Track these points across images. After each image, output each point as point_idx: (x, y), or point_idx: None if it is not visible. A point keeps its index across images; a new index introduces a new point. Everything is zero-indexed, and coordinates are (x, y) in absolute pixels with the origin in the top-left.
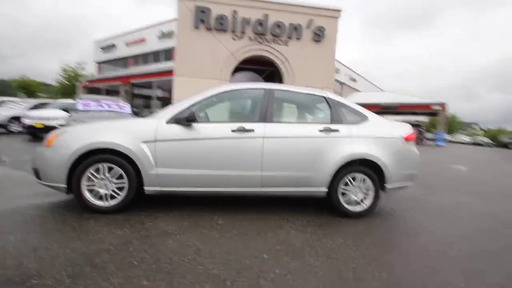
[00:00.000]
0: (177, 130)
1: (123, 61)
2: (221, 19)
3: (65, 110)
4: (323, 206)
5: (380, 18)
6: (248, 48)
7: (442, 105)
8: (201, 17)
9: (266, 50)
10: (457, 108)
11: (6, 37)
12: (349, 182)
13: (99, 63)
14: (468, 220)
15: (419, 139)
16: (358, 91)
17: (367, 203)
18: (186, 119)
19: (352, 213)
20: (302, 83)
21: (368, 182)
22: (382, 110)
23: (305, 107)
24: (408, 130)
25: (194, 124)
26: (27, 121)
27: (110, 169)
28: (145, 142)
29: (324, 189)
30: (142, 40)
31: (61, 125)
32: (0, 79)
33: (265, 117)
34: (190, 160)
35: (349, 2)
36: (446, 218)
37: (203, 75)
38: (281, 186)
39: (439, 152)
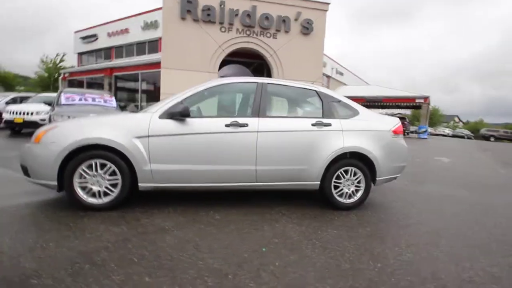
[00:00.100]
0: (171, 125)
1: (106, 52)
2: (208, 10)
3: (48, 104)
4: (316, 199)
5: (363, 11)
6: (236, 40)
7: (425, 98)
8: (188, 8)
9: (254, 43)
10: (437, 101)
11: None
12: (341, 175)
13: (80, 54)
14: (454, 210)
15: (404, 132)
16: (344, 84)
17: (358, 195)
18: (181, 114)
19: (344, 205)
20: (291, 76)
21: (359, 174)
22: (368, 103)
23: (297, 101)
24: (396, 123)
25: (188, 119)
26: (5, 116)
27: (102, 165)
28: (138, 137)
29: (317, 182)
30: (125, 31)
31: (42, 120)
32: None
33: (258, 112)
34: (184, 156)
35: None
36: (433, 209)
37: (191, 68)
38: (276, 180)
39: (422, 145)
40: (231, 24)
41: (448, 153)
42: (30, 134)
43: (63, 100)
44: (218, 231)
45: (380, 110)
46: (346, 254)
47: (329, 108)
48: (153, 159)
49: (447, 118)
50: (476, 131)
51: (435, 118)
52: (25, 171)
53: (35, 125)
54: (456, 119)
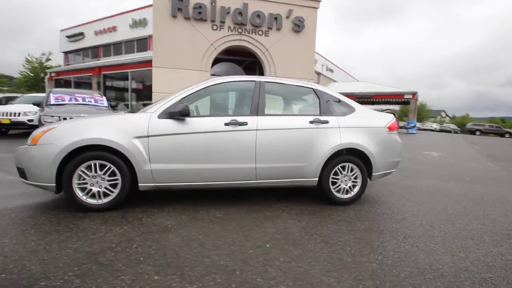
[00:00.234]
0: (170, 124)
1: (93, 51)
2: (199, 8)
3: (36, 104)
4: (313, 195)
5: (351, 9)
6: (228, 38)
7: (413, 94)
8: (179, 6)
9: (246, 41)
10: (424, 96)
11: None
12: (338, 171)
13: (66, 52)
14: (446, 203)
15: None
16: (335, 81)
17: (355, 190)
18: (180, 113)
19: (342, 201)
20: (283, 73)
21: (356, 170)
22: (358, 99)
23: (295, 99)
24: (391, 120)
25: (187, 118)
26: None
27: (102, 166)
28: (137, 137)
29: (316, 179)
30: (112, 29)
31: (30, 120)
32: None
33: (257, 110)
34: (184, 155)
35: None
36: (427, 202)
37: (183, 66)
38: (275, 178)
39: (411, 140)
40: (222, 22)
41: (437, 147)
42: (17, 136)
43: (52, 100)
44: (221, 228)
45: (370, 106)
46: (347, 247)
47: (326, 105)
48: (153, 159)
49: (434, 113)
50: (463, 126)
51: (423, 113)
52: (22, 173)
53: (23, 126)
54: (443, 114)
